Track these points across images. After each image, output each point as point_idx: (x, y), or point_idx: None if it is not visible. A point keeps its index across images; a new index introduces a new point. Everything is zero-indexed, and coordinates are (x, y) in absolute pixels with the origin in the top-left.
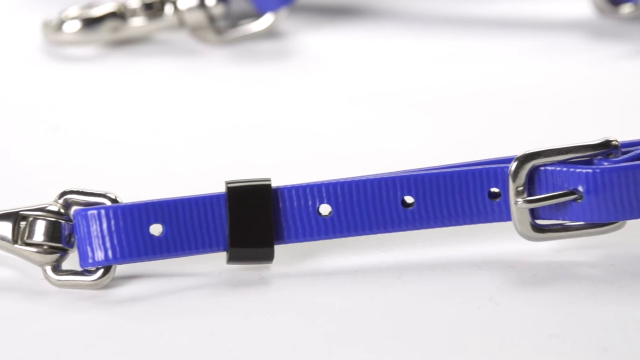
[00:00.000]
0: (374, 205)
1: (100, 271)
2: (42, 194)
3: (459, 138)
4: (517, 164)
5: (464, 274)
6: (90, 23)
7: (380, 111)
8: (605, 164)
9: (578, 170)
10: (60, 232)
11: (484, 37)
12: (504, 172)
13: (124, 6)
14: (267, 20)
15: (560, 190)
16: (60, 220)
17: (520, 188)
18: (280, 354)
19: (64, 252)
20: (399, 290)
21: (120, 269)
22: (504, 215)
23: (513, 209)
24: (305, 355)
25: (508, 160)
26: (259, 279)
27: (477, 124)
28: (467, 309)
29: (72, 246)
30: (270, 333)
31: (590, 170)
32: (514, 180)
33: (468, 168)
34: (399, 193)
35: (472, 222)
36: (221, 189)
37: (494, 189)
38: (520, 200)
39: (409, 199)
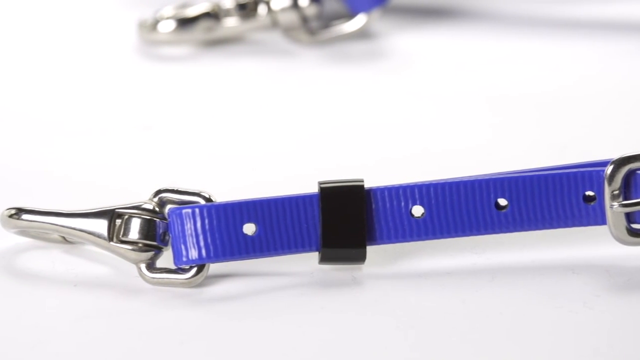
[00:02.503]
0: (467, 208)
1: (194, 269)
2: (137, 192)
3: (549, 140)
4: (613, 168)
5: (558, 277)
6: (184, 23)
7: (471, 112)
8: None
9: None
10: (155, 230)
11: (578, 38)
12: (599, 175)
13: (218, 6)
14: (359, 21)
15: None
16: (155, 219)
17: (616, 192)
18: (371, 354)
19: (158, 250)
20: (491, 293)
21: (213, 268)
22: (598, 219)
23: (608, 212)
24: (397, 356)
25: (603, 164)
26: (351, 279)
27: (568, 126)
28: (560, 313)
29: (166, 244)
30: (362, 334)
31: None
32: (609, 184)
33: (562, 171)
34: (492, 195)
35: (566, 225)
36: (314, 189)
37: (589, 193)
38: (615, 204)
39: (502, 202)
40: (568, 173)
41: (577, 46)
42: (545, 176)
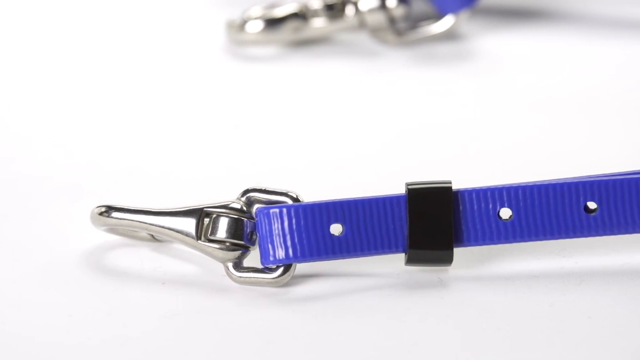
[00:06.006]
0: (556, 211)
1: (281, 269)
2: (225, 192)
3: None
4: None
5: None
6: (272, 23)
7: (560, 115)
8: None
9: None
10: (243, 230)
11: None
12: None
13: (306, 7)
14: (447, 22)
15: None
16: (242, 218)
17: None
18: (457, 356)
19: (245, 250)
20: (579, 297)
21: (299, 268)
22: None
23: None
24: (483, 359)
25: None
26: (437, 281)
27: None
28: None
29: (253, 244)
30: (448, 336)
31: None
32: None
33: None
34: (581, 198)
35: None
36: (400, 189)
37: None
38: None
39: (592, 205)
40: None
41: None
42: (637, 180)
